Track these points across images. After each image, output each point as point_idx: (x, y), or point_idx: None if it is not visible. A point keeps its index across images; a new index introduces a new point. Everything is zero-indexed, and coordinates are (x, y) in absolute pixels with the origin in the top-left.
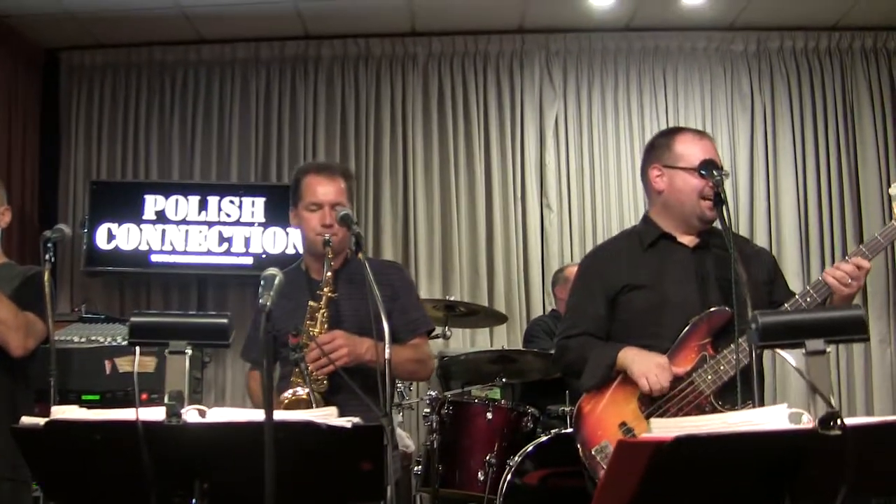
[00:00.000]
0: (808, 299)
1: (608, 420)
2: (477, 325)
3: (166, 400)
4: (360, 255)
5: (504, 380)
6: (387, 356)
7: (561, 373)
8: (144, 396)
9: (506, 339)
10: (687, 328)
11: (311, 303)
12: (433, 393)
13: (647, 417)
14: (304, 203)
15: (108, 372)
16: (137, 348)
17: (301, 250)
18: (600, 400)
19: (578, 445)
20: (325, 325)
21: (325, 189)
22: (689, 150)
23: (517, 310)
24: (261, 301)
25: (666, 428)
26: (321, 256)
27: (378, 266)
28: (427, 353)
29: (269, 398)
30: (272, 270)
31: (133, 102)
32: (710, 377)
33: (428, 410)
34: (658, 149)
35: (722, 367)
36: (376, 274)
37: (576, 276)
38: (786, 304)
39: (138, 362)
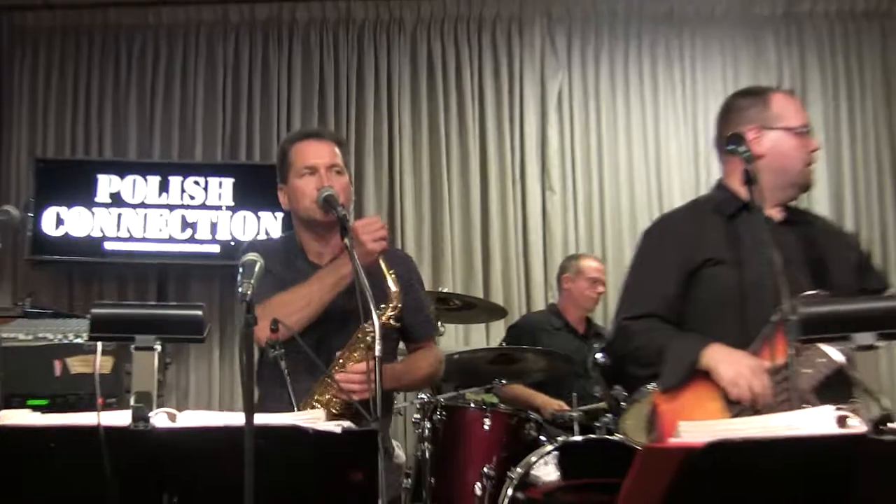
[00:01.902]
0: None
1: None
2: (472, 320)
3: (132, 402)
4: (347, 241)
5: (504, 382)
6: (377, 353)
7: (620, 359)
8: (101, 401)
9: (504, 335)
10: (777, 315)
11: (365, 326)
12: (424, 396)
13: (736, 418)
14: (294, 171)
15: (57, 373)
16: (99, 344)
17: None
18: (679, 398)
19: None
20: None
21: (317, 151)
22: (788, 111)
23: (516, 303)
24: (240, 290)
25: (696, 431)
26: (323, 231)
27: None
28: (441, 356)
29: (248, 399)
30: (252, 256)
31: (85, 70)
32: (808, 371)
33: (418, 416)
34: (749, 109)
35: (820, 360)
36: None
37: (640, 246)
38: None
39: (89, 363)
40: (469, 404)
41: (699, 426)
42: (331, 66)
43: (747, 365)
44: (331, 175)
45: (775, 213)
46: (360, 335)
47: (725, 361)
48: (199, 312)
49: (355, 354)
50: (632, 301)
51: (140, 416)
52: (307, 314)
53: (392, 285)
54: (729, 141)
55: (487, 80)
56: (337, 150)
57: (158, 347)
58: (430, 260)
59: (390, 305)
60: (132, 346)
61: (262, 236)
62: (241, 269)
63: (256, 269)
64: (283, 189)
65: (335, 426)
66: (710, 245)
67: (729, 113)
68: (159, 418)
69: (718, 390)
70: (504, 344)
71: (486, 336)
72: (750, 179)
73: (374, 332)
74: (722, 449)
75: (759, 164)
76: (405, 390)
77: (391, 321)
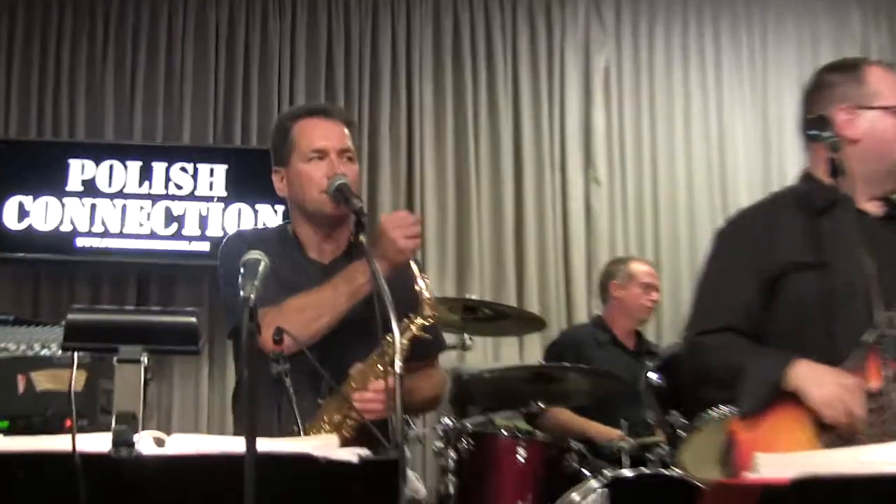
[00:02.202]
0: None
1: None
2: (504, 332)
3: (113, 424)
4: (363, 238)
5: (541, 405)
6: (397, 370)
7: (692, 379)
8: (69, 423)
9: (540, 350)
10: (871, 330)
11: (387, 338)
12: (448, 422)
13: (829, 448)
14: (299, 153)
15: (20, 390)
16: (76, 355)
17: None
18: (761, 425)
19: None
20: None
21: (327, 132)
22: (888, 87)
23: (554, 313)
24: (242, 294)
25: (778, 465)
26: (329, 226)
27: None
28: (444, 377)
29: (252, 421)
30: (255, 254)
31: (54, 39)
32: None
33: (441, 444)
34: (840, 86)
35: None
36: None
37: (712, 250)
38: None
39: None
40: (500, 431)
41: (781, 459)
42: (340, 37)
43: (842, 384)
44: (342, 161)
45: (873, 208)
46: (382, 349)
47: (816, 380)
48: (193, 319)
49: (372, 371)
50: (704, 313)
51: (123, 441)
52: (317, 328)
53: (425, 290)
54: (811, 125)
55: (522, 53)
56: (347, 131)
57: (145, 360)
58: (455, 262)
59: (423, 314)
60: (114, 358)
61: None
62: (242, 269)
63: (261, 268)
64: (281, 173)
65: (351, 454)
66: (793, 247)
67: (816, 91)
68: (145, 443)
69: (808, 415)
70: (542, 362)
71: (519, 351)
72: (836, 170)
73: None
74: (809, 487)
75: (853, 149)
76: (407, 413)
77: (423, 332)
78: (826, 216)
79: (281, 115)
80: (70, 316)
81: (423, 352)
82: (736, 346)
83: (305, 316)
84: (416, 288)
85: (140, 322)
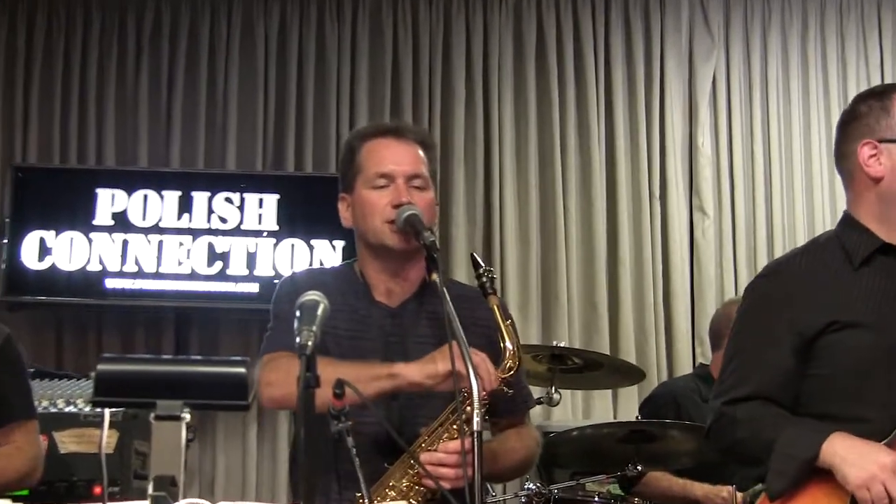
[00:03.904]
0: None
1: None
2: (596, 384)
3: (150, 490)
4: (435, 277)
5: (639, 468)
6: (476, 428)
7: (721, 454)
8: (98, 490)
9: (637, 405)
10: None
11: (464, 394)
12: (531, 486)
13: None
14: (364, 178)
15: (42, 453)
16: (107, 413)
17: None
18: None
19: None
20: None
21: (396, 155)
22: None
23: (654, 362)
24: (298, 341)
25: None
26: (397, 262)
27: (468, 297)
28: (537, 437)
29: (308, 486)
30: (313, 295)
31: (78, 53)
32: None
33: None
34: (866, 117)
35: None
36: (465, 309)
37: (742, 307)
38: None
39: (86, 438)
40: (593, 497)
41: None
42: (408, 46)
43: (881, 463)
44: (411, 189)
45: None
46: (458, 405)
47: (852, 457)
48: (243, 370)
49: (446, 433)
50: (733, 380)
51: None
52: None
53: (508, 341)
54: (839, 163)
55: (616, 64)
56: (422, 153)
57: (187, 416)
58: (540, 304)
59: (504, 366)
60: (151, 415)
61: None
62: (298, 314)
63: (319, 311)
64: (347, 200)
65: None
66: (835, 302)
67: (846, 123)
68: None
69: (845, 495)
70: (640, 417)
71: (612, 406)
72: None
73: (471, 400)
74: None
75: (877, 190)
76: (495, 480)
77: (503, 387)
78: (872, 264)
79: (349, 136)
80: (100, 366)
81: (507, 408)
82: (767, 417)
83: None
84: (500, 337)
85: (181, 373)
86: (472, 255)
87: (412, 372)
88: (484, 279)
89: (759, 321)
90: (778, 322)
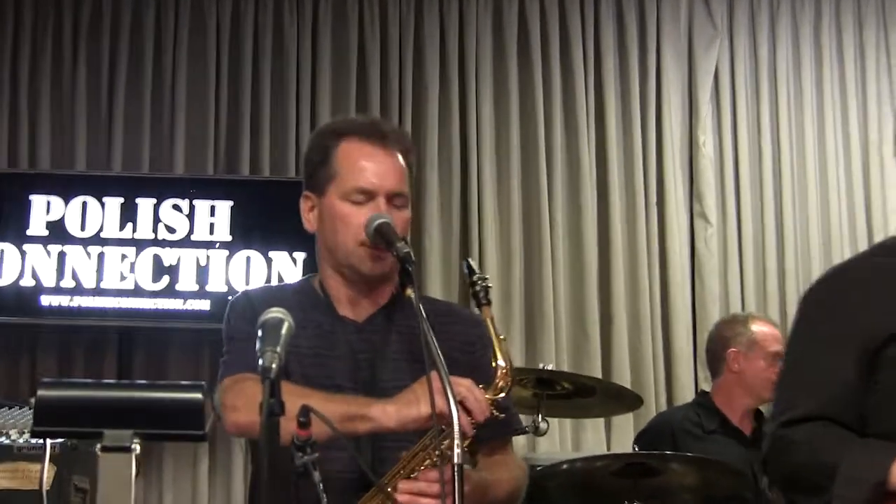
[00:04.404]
0: None
1: None
2: (587, 412)
3: None
4: (409, 292)
5: None
6: (456, 460)
7: (779, 486)
8: None
9: (634, 435)
10: None
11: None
12: None
13: None
14: (339, 186)
15: None
16: (48, 443)
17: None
18: None
19: None
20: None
21: (380, 168)
22: None
23: (651, 387)
24: (262, 363)
25: None
26: (361, 283)
27: (441, 311)
28: (523, 466)
29: None
30: (276, 313)
31: (9, 42)
32: None
33: None
34: None
35: None
36: (439, 325)
37: (796, 317)
38: None
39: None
40: None
41: None
42: (375, 40)
43: None
44: (391, 208)
45: None
46: (437, 430)
47: None
48: (199, 396)
49: (427, 458)
50: (790, 400)
51: None
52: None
53: (501, 358)
54: None
55: (608, 56)
56: (403, 163)
57: (137, 448)
58: (523, 323)
59: (495, 386)
60: (97, 446)
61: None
62: (260, 333)
63: (284, 330)
64: (312, 200)
65: None
66: None
67: None
68: None
69: None
70: (636, 449)
71: (605, 436)
72: None
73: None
74: None
75: None
76: None
77: (493, 412)
78: None
79: (324, 127)
80: (41, 392)
81: (491, 432)
82: (829, 438)
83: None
84: (493, 352)
85: (131, 399)
86: (466, 262)
87: (389, 416)
88: (478, 288)
89: (815, 331)
90: (838, 334)
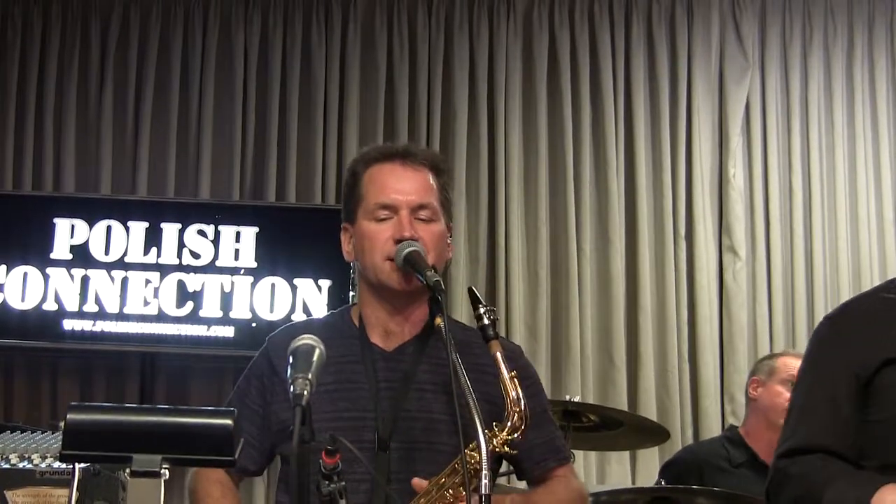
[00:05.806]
0: None
1: None
2: (613, 445)
3: None
4: (439, 321)
5: None
6: (484, 490)
7: None
8: None
9: (658, 469)
10: None
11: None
12: None
13: None
14: (365, 208)
15: None
16: (76, 467)
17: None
18: None
19: None
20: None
21: (400, 183)
22: None
23: (678, 421)
24: (293, 390)
25: None
26: (400, 302)
27: (475, 343)
28: (583, 491)
29: None
30: (307, 339)
31: (34, 64)
32: None
33: None
34: None
35: None
36: (479, 356)
37: (806, 352)
38: None
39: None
40: None
41: None
42: (404, 64)
43: None
44: (416, 221)
45: None
46: (456, 465)
47: None
48: (229, 422)
49: (449, 491)
50: (788, 430)
51: None
52: None
53: (511, 391)
54: None
55: (638, 86)
56: (432, 180)
57: (166, 473)
58: (550, 354)
59: (508, 423)
60: (125, 471)
61: (300, 315)
62: (291, 359)
63: (315, 358)
64: (349, 231)
65: None
66: (892, 336)
67: None
68: None
69: None
70: (662, 482)
71: (630, 469)
72: None
73: (479, 460)
74: None
75: None
76: None
77: (505, 447)
78: None
79: (353, 159)
80: (70, 415)
81: (549, 460)
82: (820, 471)
83: None
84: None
85: (161, 424)
86: (470, 290)
87: None
88: (485, 321)
89: (815, 366)
90: (833, 365)
